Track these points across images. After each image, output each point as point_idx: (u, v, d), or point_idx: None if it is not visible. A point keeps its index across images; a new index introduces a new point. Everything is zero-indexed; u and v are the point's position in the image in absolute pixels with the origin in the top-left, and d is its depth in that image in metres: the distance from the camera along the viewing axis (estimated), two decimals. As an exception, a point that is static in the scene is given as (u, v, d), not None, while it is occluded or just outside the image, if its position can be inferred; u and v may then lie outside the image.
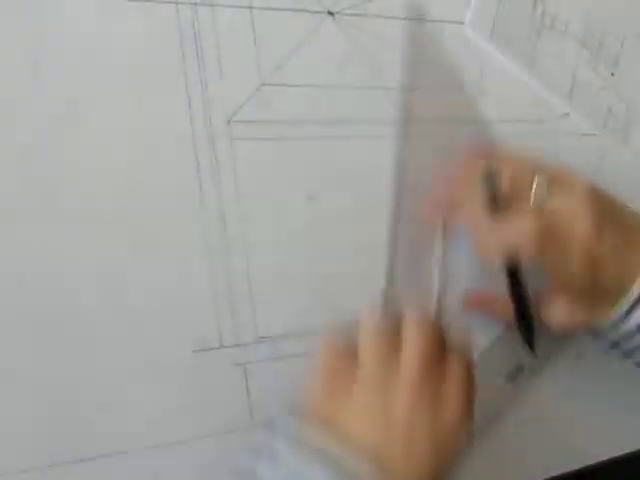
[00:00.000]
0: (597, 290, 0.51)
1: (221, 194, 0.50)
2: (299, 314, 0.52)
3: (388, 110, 0.55)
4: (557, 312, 0.53)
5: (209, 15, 0.50)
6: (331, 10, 0.54)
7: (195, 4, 0.50)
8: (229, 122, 0.50)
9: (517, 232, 0.49)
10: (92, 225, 0.47)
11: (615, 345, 0.54)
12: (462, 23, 0.58)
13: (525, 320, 0.51)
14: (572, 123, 0.61)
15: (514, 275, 0.50)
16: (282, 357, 0.52)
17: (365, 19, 0.55)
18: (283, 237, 0.52)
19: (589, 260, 0.49)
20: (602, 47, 0.62)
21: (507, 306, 0.52)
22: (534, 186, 0.49)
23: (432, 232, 0.56)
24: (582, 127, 0.62)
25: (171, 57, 0.49)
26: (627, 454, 0.66)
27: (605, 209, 0.49)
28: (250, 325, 0.51)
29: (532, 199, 0.49)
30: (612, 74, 0.62)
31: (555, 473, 0.62)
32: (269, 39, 0.52)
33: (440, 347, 0.45)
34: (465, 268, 0.57)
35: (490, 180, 0.49)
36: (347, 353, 0.46)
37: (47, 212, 0.46)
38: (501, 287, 0.51)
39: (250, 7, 0.51)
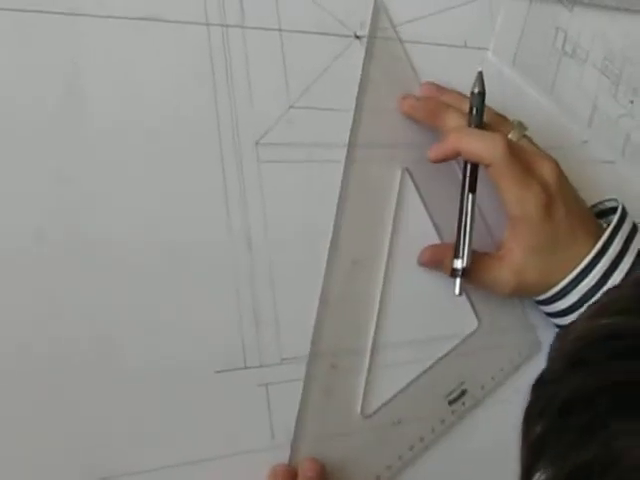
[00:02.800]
0: (552, 248, 0.53)
1: (248, 216, 0.50)
2: (322, 336, 0.52)
3: (417, 135, 0.56)
4: (506, 271, 0.54)
5: (239, 37, 0.51)
6: (358, 34, 0.54)
7: (226, 26, 0.50)
8: (257, 144, 0.51)
9: (491, 142, 0.52)
10: (121, 250, 0.47)
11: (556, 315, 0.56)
12: (486, 49, 0.59)
13: (462, 235, 0.53)
14: (591, 150, 0.62)
15: (472, 184, 0.53)
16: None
17: (391, 43, 0.55)
18: (308, 260, 0.52)
19: (547, 207, 0.52)
20: (622, 75, 0.63)
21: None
22: (513, 128, 0.55)
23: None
24: (601, 154, 0.63)
25: (201, 78, 0.49)
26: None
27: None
28: (274, 346, 0.51)
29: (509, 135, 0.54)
30: (631, 102, 0.63)
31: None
32: (297, 61, 0.52)
33: None
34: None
35: (480, 95, 0.53)
36: None
37: (77, 243, 0.46)
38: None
39: (279, 30, 0.52)
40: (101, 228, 0.47)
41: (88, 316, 0.46)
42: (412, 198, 0.57)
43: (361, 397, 0.53)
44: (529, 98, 0.59)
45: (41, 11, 0.46)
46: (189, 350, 0.49)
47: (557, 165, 0.54)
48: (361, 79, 0.55)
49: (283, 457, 0.51)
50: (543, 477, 0.29)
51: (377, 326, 0.54)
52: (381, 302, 0.55)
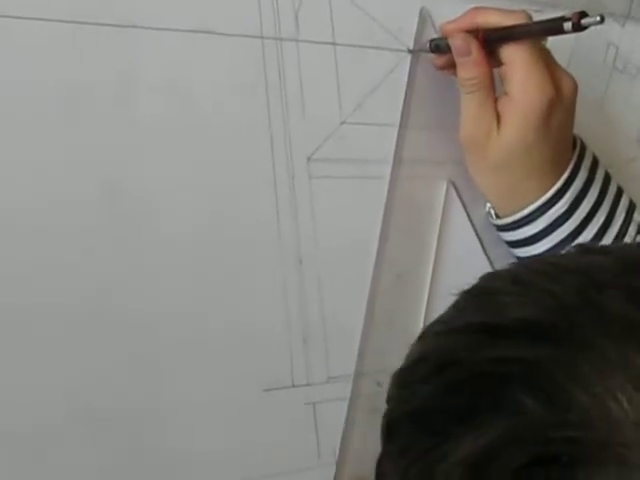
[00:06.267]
0: (534, 156, 0.51)
1: (298, 232, 0.50)
2: (367, 353, 0.52)
3: (461, 151, 0.55)
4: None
5: (294, 51, 0.50)
6: (411, 48, 0.54)
7: (280, 39, 0.50)
8: (309, 160, 0.50)
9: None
10: (171, 263, 0.47)
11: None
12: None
13: None
14: (639, 168, 0.61)
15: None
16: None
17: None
18: (355, 275, 0.52)
19: (550, 110, 0.50)
20: (672, 92, 0.62)
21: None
22: None
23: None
24: (649, 172, 0.62)
25: (255, 92, 0.49)
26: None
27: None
28: (321, 364, 0.50)
29: None
30: (680, 119, 0.62)
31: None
32: (350, 76, 0.51)
33: None
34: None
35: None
36: None
37: (129, 251, 0.45)
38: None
39: (333, 43, 0.51)
40: (150, 242, 0.46)
41: (133, 329, 0.46)
42: (457, 213, 0.56)
43: (407, 416, 0.53)
44: (578, 113, 0.58)
45: (98, 23, 0.45)
46: (237, 368, 0.48)
47: (576, 86, 0.53)
48: (406, 94, 0.54)
49: (329, 476, 0.50)
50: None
51: (422, 343, 0.54)
52: (426, 317, 0.54)
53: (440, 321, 0.34)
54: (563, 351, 0.28)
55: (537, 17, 0.57)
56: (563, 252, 0.34)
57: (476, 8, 0.51)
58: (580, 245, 0.34)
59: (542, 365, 0.27)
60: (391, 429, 0.32)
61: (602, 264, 0.31)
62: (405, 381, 0.33)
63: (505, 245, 0.56)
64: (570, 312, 0.29)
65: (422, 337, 0.34)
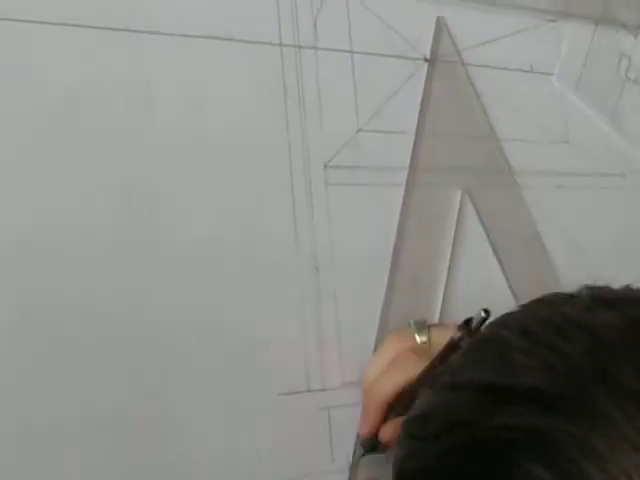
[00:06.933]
0: None
1: (315, 238, 0.50)
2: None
3: (477, 159, 0.55)
4: None
5: (312, 58, 0.50)
6: (427, 57, 0.54)
7: (299, 47, 0.50)
8: (326, 167, 0.51)
9: None
10: (186, 269, 0.47)
11: None
12: (551, 74, 0.58)
13: None
14: (652, 177, 0.62)
15: None
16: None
17: (460, 67, 0.55)
18: (370, 281, 0.52)
19: None
20: (685, 103, 0.62)
21: None
22: None
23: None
24: (662, 182, 0.62)
25: (274, 99, 0.49)
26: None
27: None
28: (336, 369, 0.51)
29: None
30: (693, 130, 0.63)
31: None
32: (367, 83, 0.52)
33: None
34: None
35: None
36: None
37: (149, 261, 0.46)
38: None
39: (351, 51, 0.52)
40: (168, 244, 0.47)
41: (149, 325, 0.46)
42: (471, 220, 0.57)
43: (419, 422, 0.53)
44: (591, 124, 0.59)
45: (121, 29, 0.46)
46: (253, 372, 0.48)
47: None
48: (422, 102, 0.54)
49: (343, 482, 0.51)
50: None
51: (435, 349, 0.54)
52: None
53: (449, 371, 0.33)
54: (575, 423, 0.27)
55: (550, 28, 0.58)
56: (572, 295, 0.33)
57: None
58: (590, 290, 0.33)
59: (553, 435, 0.27)
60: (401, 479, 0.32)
61: (610, 324, 0.30)
62: (416, 433, 0.32)
63: (520, 254, 0.56)
64: (581, 379, 0.28)
65: (432, 386, 0.33)
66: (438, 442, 0.30)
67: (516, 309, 0.34)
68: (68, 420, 0.44)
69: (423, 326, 0.50)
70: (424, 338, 0.49)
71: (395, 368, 0.48)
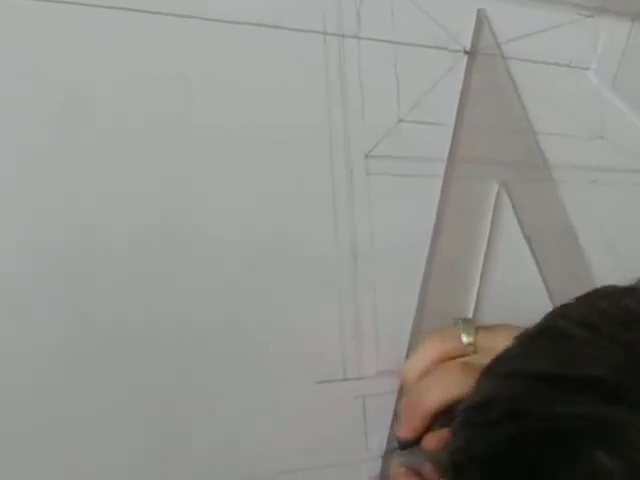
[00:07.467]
0: None
1: (355, 228, 0.50)
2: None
3: (514, 152, 0.56)
4: None
5: (355, 48, 0.50)
6: (467, 49, 0.54)
7: (342, 36, 0.50)
8: (366, 157, 0.51)
9: None
10: (226, 258, 0.47)
11: None
12: (588, 69, 0.58)
13: None
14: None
15: None
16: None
17: (499, 60, 0.55)
18: (408, 272, 0.52)
19: None
20: None
21: None
22: None
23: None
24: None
25: (316, 88, 0.49)
26: None
27: None
28: (372, 358, 0.51)
29: None
30: None
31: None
32: (409, 74, 0.52)
33: None
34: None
35: None
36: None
37: (181, 256, 0.46)
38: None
39: (393, 42, 0.52)
40: (205, 233, 0.47)
41: (180, 319, 0.46)
42: (507, 213, 0.57)
43: (453, 411, 0.53)
44: (627, 120, 0.59)
45: (160, 12, 0.46)
46: (291, 360, 0.49)
47: None
48: (461, 94, 0.54)
49: (376, 470, 0.51)
50: None
51: (471, 339, 0.54)
52: (475, 312, 0.55)
53: (506, 361, 0.34)
54: (638, 413, 0.27)
55: (588, 23, 0.58)
56: (630, 288, 0.33)
57: None
58: None
59: (616, 424, 0.27)
60: (458, 468, 0.32)
61: None
62: (473, 421, 0.32)
63: (554, 248, 0.57)
64: None
65: (488, 375, 0.34)
66: (497, 430, 0.30)
67: (570, 301, 0.34)
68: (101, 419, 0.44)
69: (471, 326, 0.50)
70: (470, 339, 0.49)
71: (442, 380, 0.48)
